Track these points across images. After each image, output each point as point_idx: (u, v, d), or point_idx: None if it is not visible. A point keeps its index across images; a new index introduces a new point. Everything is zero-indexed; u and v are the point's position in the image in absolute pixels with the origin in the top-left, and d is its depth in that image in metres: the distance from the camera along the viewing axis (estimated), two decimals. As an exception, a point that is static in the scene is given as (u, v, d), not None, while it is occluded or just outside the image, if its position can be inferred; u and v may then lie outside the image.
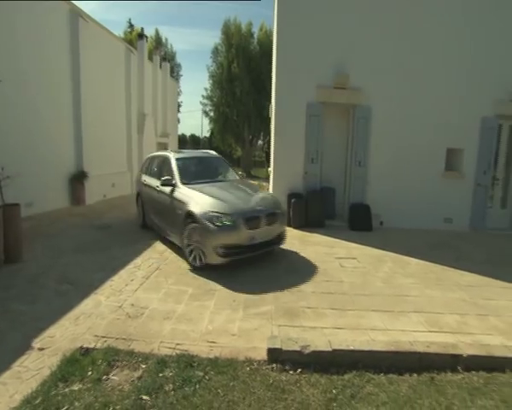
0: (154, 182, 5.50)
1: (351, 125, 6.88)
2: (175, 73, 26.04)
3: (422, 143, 6.71)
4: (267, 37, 21.14)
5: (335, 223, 6.62)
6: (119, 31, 26.49)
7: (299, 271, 4.25)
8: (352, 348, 2.50)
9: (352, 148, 6.86)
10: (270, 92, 10.62)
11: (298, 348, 2.47)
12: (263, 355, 2.49)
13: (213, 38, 48.30)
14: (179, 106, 25.73)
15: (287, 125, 6.73)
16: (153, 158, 6.39)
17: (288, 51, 6.60)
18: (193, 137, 36.51)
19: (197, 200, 4.33)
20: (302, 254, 4.92)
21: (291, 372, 2.36)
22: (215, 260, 4.01)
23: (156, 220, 5.48)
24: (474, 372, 2.45)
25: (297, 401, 2.08)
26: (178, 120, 22.34)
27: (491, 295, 3.79)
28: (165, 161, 5.53)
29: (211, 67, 23.35)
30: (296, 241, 5.57)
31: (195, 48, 62.19)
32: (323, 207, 6.51)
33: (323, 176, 6.97)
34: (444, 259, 4.91)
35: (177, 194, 4.70)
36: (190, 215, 4.21)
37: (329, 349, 2.47)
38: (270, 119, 9.73)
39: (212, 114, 24.01)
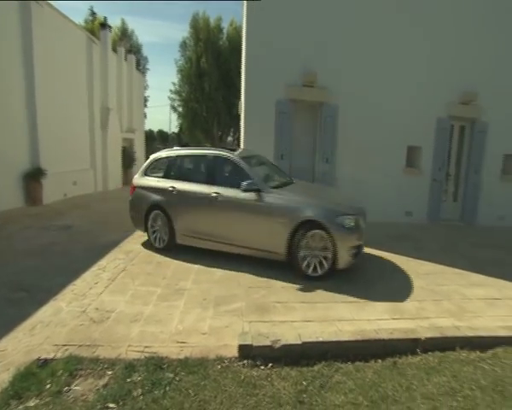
0: (204, 189, 4.39)
1: (319, 122, 7.06)
2: (141, 66, 25.01)
3: (386, 140, 7.06)
4: (237, 32, 21.00)
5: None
6: (80, 19, 24.90)
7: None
8: (320, 339, 2.58)
9: (320, 145, 7.05)
10: (240, 88, 10.57)
11: (269, 343, 2.50)
12: (234, 352, 2.49)
13: (181, 31, 47.10)
14: (146, 100, 24.78)
15: (256, 121, 6.74)
16: (179, 158, 4.96)
17: (257, 49, 6.58)
18: (161, 132, 35.41)
19: (315, 204, 4.03)
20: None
21: (262, 367, 2.38)
22: (347, 262, 3.89)
23: (213, 236, 4.39)
24: (430, 353, 2.65)
25: (268, 396, 2.11)
26: (145, 115, 21.52)
27: (445, 281, 4.11)
28: (223, 162, 4.60)
29: (179, 62, 22.79)
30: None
31: (163, 40, 60.20)
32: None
33: (293, 172, 7.06)
34: (405, 250, 5.22)
35: (273, 200, 4.05)
36: (309, 221, 3.85)
37: (299, 342, 2.53)
38: (239, 115, 9.70)
39: (180, 109, 23.47)
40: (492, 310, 3.46)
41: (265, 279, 3.88)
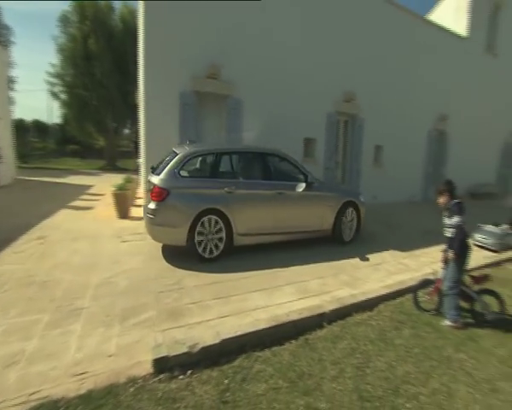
0: (265, 186, 4.63)
1: (224, 115, 7.06)
2: (2, 37, 19.90)
3: (286, 133, 7.55)
4: (131, 15, 18.91)
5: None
6: None
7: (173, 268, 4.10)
8: (239, 333, 2.60)
9: (226, 138, 7.07)
10: (137, 76, 9.60)
11: (186, 350, 2.38)
12: (149, 369, 2.27)
13: (60, 3, 38.90)
14: (12, 81, 19.94)
15: (159, 113, 6.24)
16: (226, 155, 4.71)
17: (157, 39, 6.05)
18: (37, 123, 29.28)
19: (347, 189, 6.08)
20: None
21: (181, 377, 2.24)
22: (363, 225, 5.62)
23: (273, 229, 4.73)
24: (334, 323, 3.00)
25: (190, 406, 2.00)
26: (12, 101, 17.34)
27: (337, 257, 4.72)
28: (277, 159, 5.06)
29: (59, 39, 19.03)
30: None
31: (31, 9, 49.35)
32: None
33: (200, 166, 6.92)
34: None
35: (325, 190, 5.23)
36: (349, 203, 5.25)
37: (218, 341, 2.49)
38: (137, 105, 8.84)
39: (63, 96, 19.82)
40: (375, 274, 4.18)
41: (177, 281, 3.67)
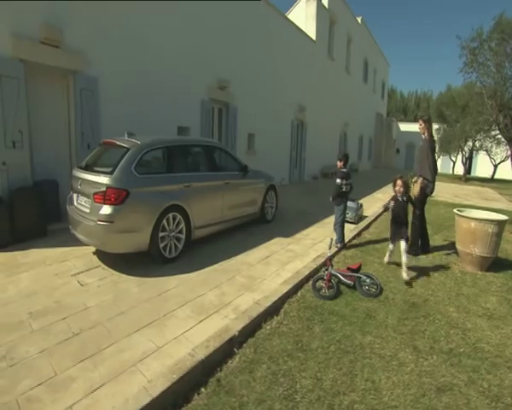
0: (215, 177, 4.80)
1: (72, 96, 5.29)
2: None
3: (158, 119, 6.59)
4: None
5: (65, 225, 4.97)
6: None
7: (11, 323, 2.64)
8: (122, 416, 1.72)
9: (77, 126, 5.36)
10: None
11: None
12: None
13: None
14: None
15: None
16: (179, 149, 4.44)
17: None
18: None
19: (268, 175, 6.16)
20: (10, 290, 3.15)
21: None
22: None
23: (221, 218, 4.84)
24: (245, 345, 2.51)
25: None
26: None
27: (230, 255, 4.30)
28: (220, 151, 5.39)
29: None
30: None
31: None
32: (41, 208, 4.68)
33: (38, 165, 4.99)
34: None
35: (258, 177, 5.75)
36: (270, 186, 5.97)
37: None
38: None
39: None
40: (269, 268, 3.95)
41: (7, 350, 2.27)
